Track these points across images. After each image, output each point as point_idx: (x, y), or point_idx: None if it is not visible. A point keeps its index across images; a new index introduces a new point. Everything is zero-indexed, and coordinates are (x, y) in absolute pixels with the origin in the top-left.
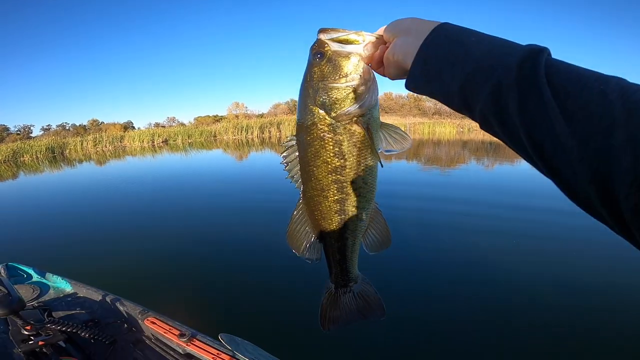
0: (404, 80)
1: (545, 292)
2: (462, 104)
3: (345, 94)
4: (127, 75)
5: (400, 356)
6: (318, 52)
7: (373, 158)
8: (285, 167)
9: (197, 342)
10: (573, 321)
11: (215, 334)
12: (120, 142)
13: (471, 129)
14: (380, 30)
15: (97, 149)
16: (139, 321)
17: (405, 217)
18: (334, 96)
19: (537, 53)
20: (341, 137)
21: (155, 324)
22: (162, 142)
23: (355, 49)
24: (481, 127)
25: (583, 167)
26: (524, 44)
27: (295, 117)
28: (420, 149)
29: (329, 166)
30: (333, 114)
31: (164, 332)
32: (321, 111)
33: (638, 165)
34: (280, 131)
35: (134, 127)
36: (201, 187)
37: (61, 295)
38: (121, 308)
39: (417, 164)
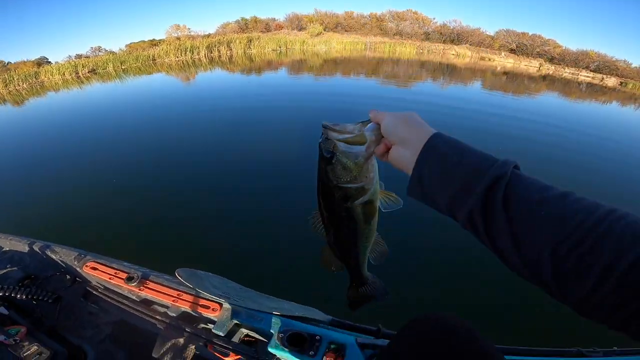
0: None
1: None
2: (450, 216)
3: (356, 191)
4: (32, 5)
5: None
6: (327, 151)
7: (376, 216)
8: (313, 228)
9: (151, 285)
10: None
11: (171, 271)
12: (36, 78)
13: (430, 51)
14: (379, 118)
15: (9, 89)
16: (78, 269)
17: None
18: (348, 193)
19: (499, 179)
20: (356, 213)
21: (96, 269)
22: (88, 72)
23: (360, 151)
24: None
25: (525, 273)
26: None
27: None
28: (380, 66)
29: (347, 227)
30: (349, 204)
31: (109, 278)
32: (340, 201)
33: (555, 275)
34: (231, 50)
35: (49, 63)
36: (140, 113)
37: None
38: (54, 256)
39: (377, 79)
